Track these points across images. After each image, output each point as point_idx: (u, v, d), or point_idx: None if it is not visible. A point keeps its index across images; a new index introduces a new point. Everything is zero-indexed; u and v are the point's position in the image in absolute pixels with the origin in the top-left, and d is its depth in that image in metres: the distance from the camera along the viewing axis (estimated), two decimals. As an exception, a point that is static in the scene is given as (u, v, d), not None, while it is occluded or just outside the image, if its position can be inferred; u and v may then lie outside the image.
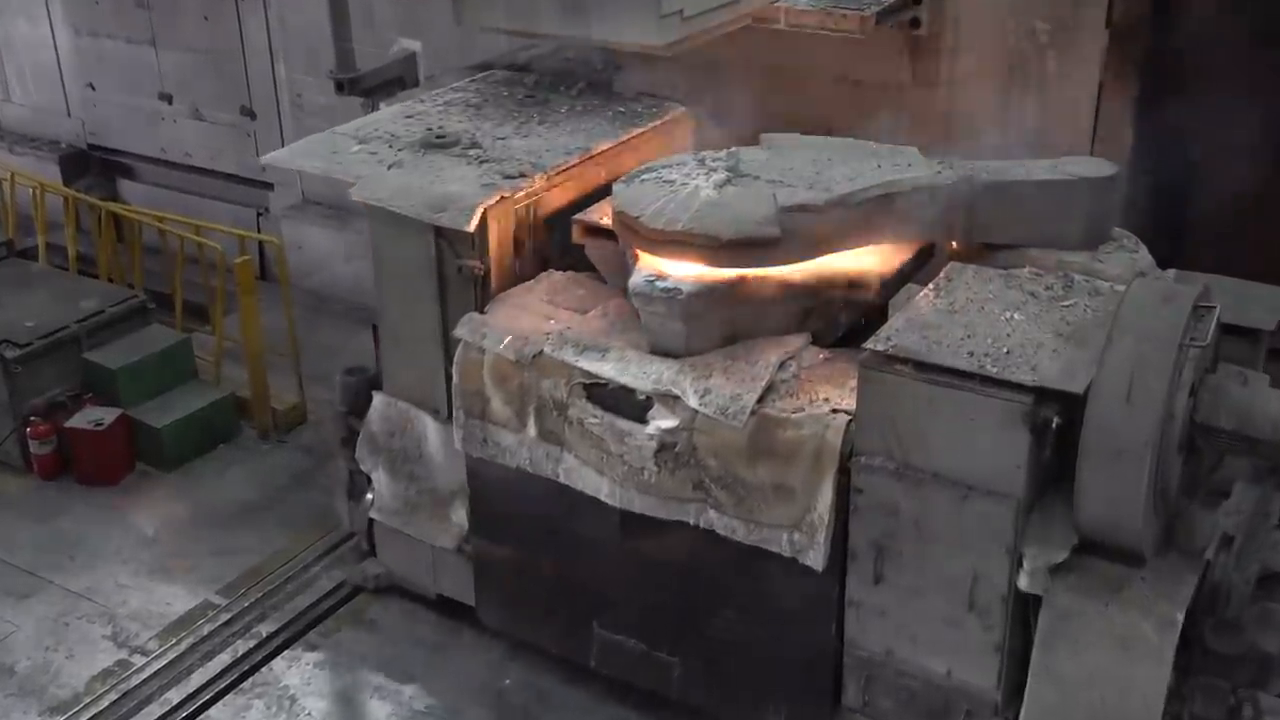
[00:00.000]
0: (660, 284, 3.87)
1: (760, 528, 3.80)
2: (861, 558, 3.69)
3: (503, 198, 4.28)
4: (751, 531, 3.82)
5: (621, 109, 5.13)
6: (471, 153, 4.62)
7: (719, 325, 3.98)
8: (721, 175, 4.14)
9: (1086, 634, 3.37)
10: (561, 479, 4.19)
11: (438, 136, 4.71)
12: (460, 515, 4.67)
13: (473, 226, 4.13)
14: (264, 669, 4.89)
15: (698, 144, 5.14)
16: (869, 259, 4.19)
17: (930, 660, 3.71)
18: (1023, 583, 3.43)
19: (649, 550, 4.18)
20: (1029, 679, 3.51)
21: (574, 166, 4.62)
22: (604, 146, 4.75)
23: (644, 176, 4.25)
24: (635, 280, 3.94)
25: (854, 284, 4.09)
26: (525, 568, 4.58)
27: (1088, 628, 3.36)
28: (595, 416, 3.99)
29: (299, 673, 4.86)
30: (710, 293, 3.90)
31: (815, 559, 3.71)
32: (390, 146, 4.68)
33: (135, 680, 4.81)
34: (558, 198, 4.61)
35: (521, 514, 4.49)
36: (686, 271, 3.93)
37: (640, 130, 4.95)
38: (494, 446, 4.33)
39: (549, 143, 4.75)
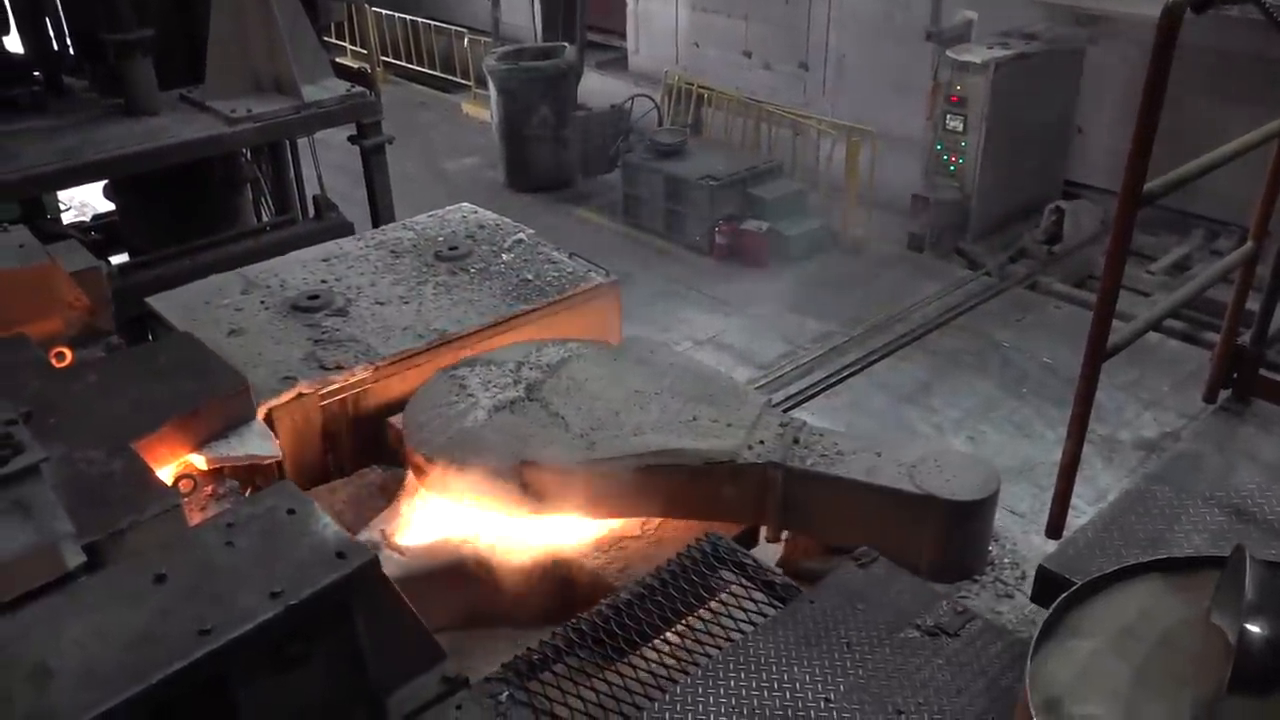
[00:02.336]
0: (381, 545, 3.27)
1: None
2: None
3: (300, 394, 3.86)
4: None
5: (531, 277, 4.50)
6: (326, 323, 4.24)
7: (447, 604, 3.31)
8: (513, 393, 3.46)
9: None
10: None
11: (309, 297, 4.38)
12: None
13: (251, 428, 3.75)
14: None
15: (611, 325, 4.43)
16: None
17: None
18: None
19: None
20: None
21: (420, 354, 4.09)
22: (469, 330, 4.17)
23: (456, 371, 3.68)
24: (369, 528, 3.37)
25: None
26: None
27: None
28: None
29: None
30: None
31: None
32: (262, 303, 4.41)
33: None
34: (395, 386, 4.10)
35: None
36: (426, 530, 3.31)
37: (529, 309, 4.30)
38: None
39: (421, 318, 4.26)
